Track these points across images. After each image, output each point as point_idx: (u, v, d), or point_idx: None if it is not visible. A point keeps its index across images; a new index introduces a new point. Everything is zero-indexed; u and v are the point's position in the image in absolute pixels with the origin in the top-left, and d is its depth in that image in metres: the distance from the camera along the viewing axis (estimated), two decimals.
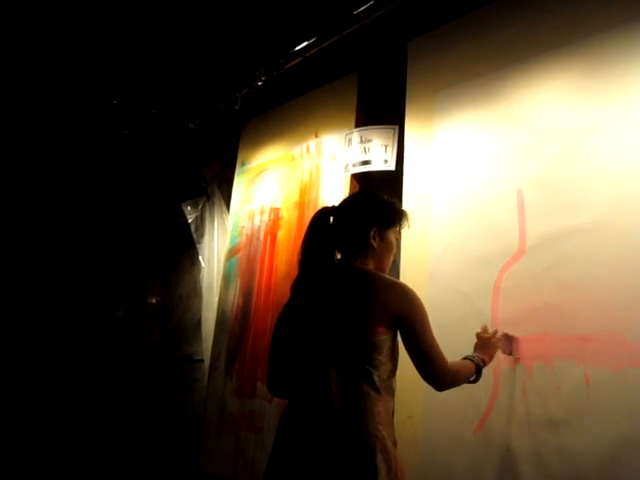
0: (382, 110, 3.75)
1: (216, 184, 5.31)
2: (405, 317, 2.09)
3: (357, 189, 3.68)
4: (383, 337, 2.07)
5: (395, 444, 2.07)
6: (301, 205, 4.06)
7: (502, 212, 2.82)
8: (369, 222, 2.26)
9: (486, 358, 2.35)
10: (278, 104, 4.59)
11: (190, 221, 5.39)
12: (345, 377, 2.05)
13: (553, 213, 2.64)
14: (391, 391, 2.12)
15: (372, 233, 2.24)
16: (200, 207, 5.41)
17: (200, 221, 5.39)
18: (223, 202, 5.22)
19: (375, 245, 2.25)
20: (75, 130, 5.38)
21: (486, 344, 2.42)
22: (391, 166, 3.50)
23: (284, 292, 3.87)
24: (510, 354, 2.58)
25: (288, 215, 4.17)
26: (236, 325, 4.33)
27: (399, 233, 2.47)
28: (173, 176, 5.88)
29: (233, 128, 4.99)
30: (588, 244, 2.50)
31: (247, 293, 4.31)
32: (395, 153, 3.50)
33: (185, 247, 5.58)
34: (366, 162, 3.61)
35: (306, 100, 4.33)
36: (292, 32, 3.71)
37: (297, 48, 3.73)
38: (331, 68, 4.06)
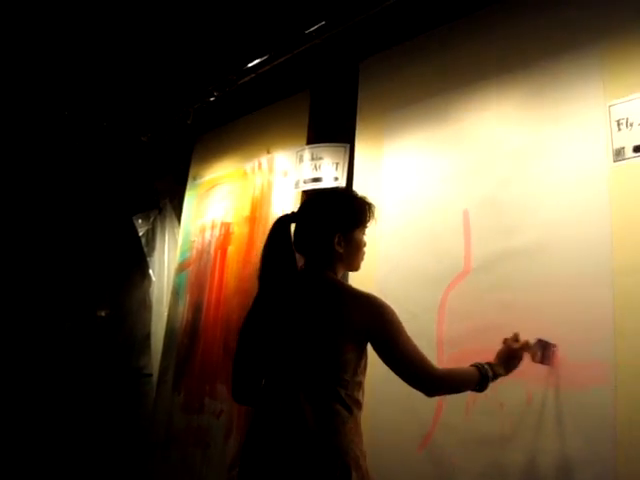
0: (333, 128, 3.78)
1: (168, 198, 5.30)
2: (375, 330, 1.99)
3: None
4: (351, 354, 1.98)
5: (365, 457, 1.98)
6: (252, 220, 4.07)
7: (449, 232, 2.87)
8: (331, 229, 2.12)
9: (501, 370, 2.17)
10: (231, 120, 4.61)
11: (141, 234, 5.37)
12: (314, 396, 1.95)
13: (497, 234, 2.71)
14: (360, 405, 2.02)
15: (336, 239, 2.11)
16: (151, 220, 5.40)
17: (151, 234, 5.38)
18: (174, 216, 5.21)
19: (341, 250, 2.12)
20: (25, 141, 5.31)
21: (510, 354, 2.25)
22: (341, 184, 3.52)
23: (233, 307, 3.89)
24: (542, 362, 2.37)
25: (239, 230, 4.17)
26: (185, 340, 4.32)
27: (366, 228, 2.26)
28: (125, 189, 5.83)
29: (186, 142, 4.99)
30: (530, 265, 2.56)
31: (196, 308, 4.30)
32: (345, 171, 3.53)
33: (136, 260, 5.53)
34: (317, 179, 3.63)
35: (259, 116, 4.36)
36: (245, 49, 3.73)
37: (250, 65, 3.75)
38: (284, 86, 4.10)
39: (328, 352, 1.98)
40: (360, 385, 2.03)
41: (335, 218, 2.15)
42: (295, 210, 2.27)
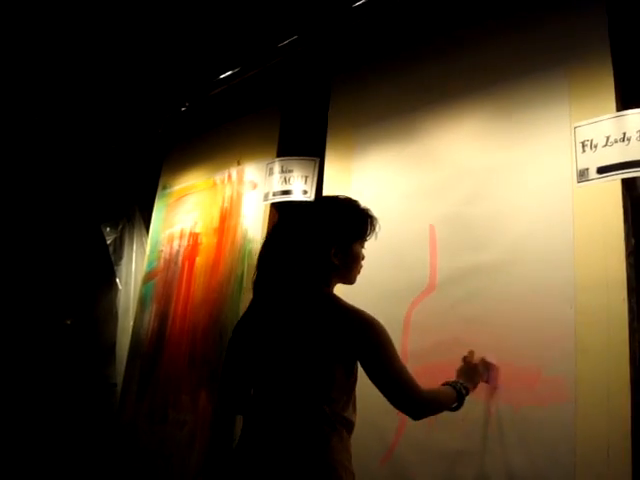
0: (304, 142, 3.80)
1: (137, 206, 5.28)
2: (364, 349, 1.93)
3: (277, 218, 3.70)
4: (340, 372, 1.94)
5: (352, 475, 1.94)
6: (220, 231, 4.07)
7: (415, 248, 2.90)
8: (328, 242, 2.03)
9: (470, 385, 2.22)
10: (203, 131, 4.61)
11: (109, 242, 5.33)
12: (300, 413, 1.92)
13: (462, 250, 2.74)
14: (347, 423, 1.96)
15: (333, 252, 2.03)
16: (120, 229, 5.37)
17: (119, 243, 5.35)
18: (143, 225, 5.19)
19: (337, 262, 2.04)
20: None
21: (473, 370, 2.33)
22: (310, 197, 3.54)
23: (200, 318, 3.88)
24: (486, 382, 2.43)
25: (207, 241, 4.17)
26: (150, 350, 4.29)
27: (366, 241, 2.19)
28: (93, 197, 5.80)
29: (157, 152, 4.98)
30: (494, 281, 2.60)
31: (162, 318, 4.28)
32: (315, 185, 3.55)
33: (103, 268, 5.49)
34: (286, 192, 3.64)
35: (230, 128, 4.37)
36: (217, 61, 3.75)
37: (221, 76, 3.76)
38: (255, 98, 4.12)
39: (316, 369, 1.93)
40: (348, 403, 1.98)
41: (332, 230, 2.06)
42: (293, 216, 2.19)
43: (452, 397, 2.12)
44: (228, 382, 2.21)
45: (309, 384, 1.93)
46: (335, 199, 2.17)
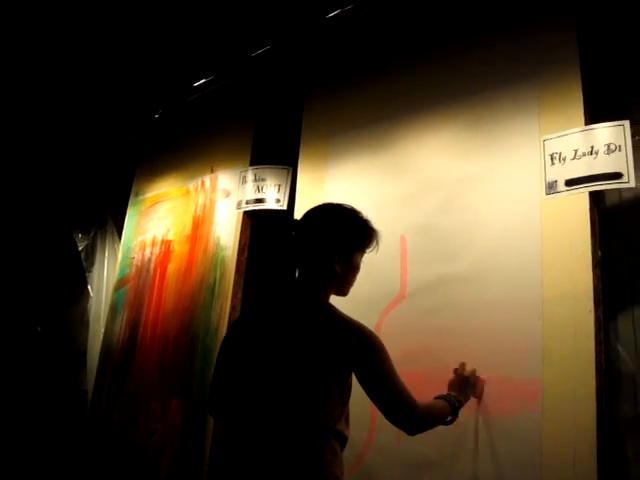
0: (277, 151, 3.82)
1: (109, 213, 5.26)
2: (360, 362, 1.91)
3: (248, 229, 3.74)
4: (334, 385, 1.91)
5: None
6: (193, 239, 4.07)
7: (386, 257, 2.90)
8: (334, 248, 2.03)
9: (462, 398, 2.20)
10: (177, 138, 4.61)
11: (81, 249, 5.30)
12: (292, 426, 1.89)
13: (433, 260, 2.77)
14: (340, 436, 1.94)
15: (336, 259, 2.02)
16: (92, 235, 5.34)
17: (91, 249, 5.32)
18: (115, 232, 5.17)
19: (339, 270, 2.04)
20: None
21: (464, 383, 2.30)
22: (283, 206, 3.55)
23: (171, 325, 3.87)
24: (473, 395, 2.41)
25: (179, 248, 4.16)
26: (121, 357, 4.27)
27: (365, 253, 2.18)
28: (66, 203, 5.77)
29: (130, 158, 4.97)
30: (463, 292, 2.63)
31: (134, 325, 4.26)
32: (288, 193, 3.56)
33: (74, 275, 5.46)
34: (259, 200, 3.65)
35: (204, 136, 4.37)
36: (191, 69, 3.75)
37: (195, 84, 3.76)
38: (230, 107, 4.13)
39: (312, 381, 1.91)
40: (341, 416, 1.96)
41: (339, 237, 2.06)
42: (299, 218, 2.15)
43: (446, 410, 2.10)
44: (218, 388, 2.16)
45: (304, 396, 1.91)
46: (342, 207, 2.14)
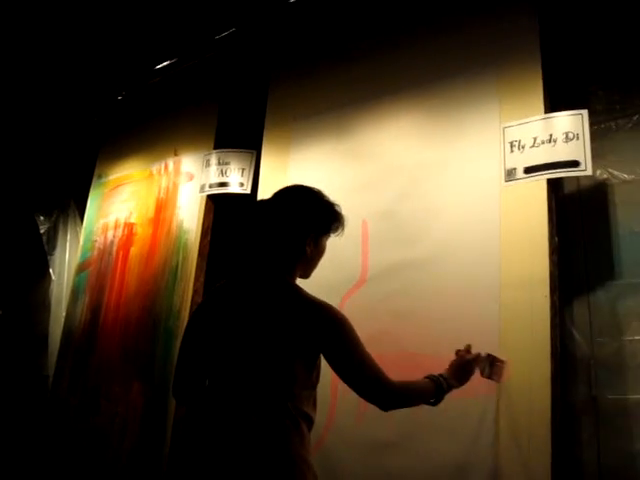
0: (241, 134, 3.81)
1: (71, 196, 5.21)
2: (327, 342, 1.89)
3: (211, 212, 3.74)
4: (302, 367, 1.89)
5: (315, 477, 1.88)
6: (156, 222, 4.05)
7: (347, 242, 2.88)
8: (308, 228, 2.01)
9: (454, 381, 2.11)
10: (140, 121, 4.56)
11: (42, 232, 5.25)
12: (259, 407, 1.86)
13: (394, 245, 2.81)
14: (308, 418, 1.91)
15: (308, 240, 2.01)
16: (54, 218, 5.29)
17: (53, 232, 5.27)
18: (77, 214, 5.12)
19: (309, 252, 2.02)
20: None
21: (462, 366, 2.20)
22: (247, 190, 3.55)
23: (134, 309, 3.86)
24: (490, 377, 2.34)
25: (142, 231, 4.14)
26: (82, 341, 4.24)
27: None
28: (27, 185, 5.70)
29: (92, 140, 4.92)
30: (423, 276, 2.68)
31: (95, 308, 4.23)
32: (251, 177, 3.56)
33: (35, 258, 5.40)
34: (223, 184, 3.64)
35: (168, 119, 4.34)
36: (154, 51, 3.73)
37: (158, 67, 3.74)
38: (194, 90, 4.11)
39: (279, 363, 1.88)
40: (310, 398, 1.94)
41: (313, 218, 2.04)
42: (270, 197, 2.12)
43: (429, 391, 2.02)
44: (183, 372, 2.12)
45: (272, 378, 1.88)
46: (312, 190, 2.12)
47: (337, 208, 2.11)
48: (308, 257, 2.05)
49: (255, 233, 2.07)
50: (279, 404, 1.86)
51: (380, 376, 1.88)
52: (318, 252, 2.10)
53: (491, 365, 2.34)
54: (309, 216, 2.04)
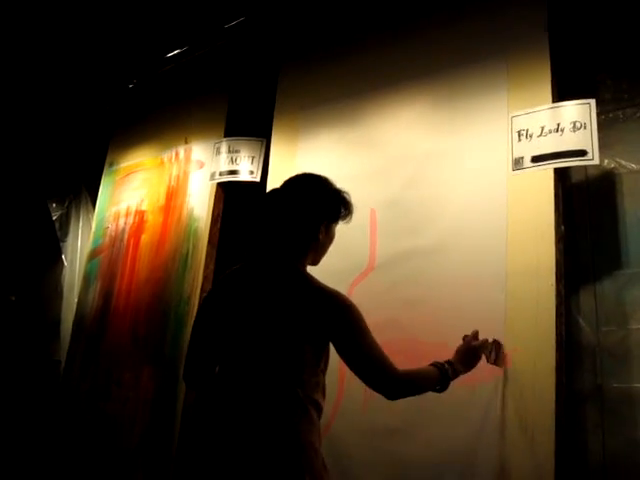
0: (251, 122, 3.83)
1: (83, 183, 5.24)
2: (337, 330, 1.92)
3: (221, 200, 3.76)
4: (311, 354, 1.92)
5: (325, 467, 1.90)
6: (166, 210, 4.08)
7: (356, 230, 2.92)
8: (321, 216, 2.05)
9: (461, 367, 2.13)
10: (151, 109, 4.59)
11: (55, 218, 5.29)
12: (269, 395, 1.88)
13: (401, 234, 2.82)
14: (317, 405, 1.93)
15: (322, 227, 2.05)
16: (66, 205, 5.33)
17: (65, 219, 5.31)
18: (90, 201, 5.16)
19: (321, 239, 2.06)
20: None
21: (469, 352, 2.22)
22: (257, 178, 3.57)
23: (144, 296, 3.89)
24: (494, 363, 2.37)
25: (153, 219, 4.17)
26: (94, 327, 4.28)
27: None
28: (40, 172, 5.74)
29: (104, 128, 4.95)
30: (430, 264, 2.69)
31: (107, 295, 4.27)
32: (261, 165, 3.58)
33: (48, 245, 5.45)
34: (233, 172, 3.66)
35: (179, 107, 4.35)
36: (165, 40, 3.75)
37: (169, 55, 3.76)
38: (205, 78, 4.14)
39: (289, 350, 1.91)
40: (318, 385, 1.95)
41: (326, 205, 2.08)
42: (281, 186, 2.15)
43: (434, 378, 2.04)
44: (195, 357, 2.15)
45: (281, 365, 1.91)
46: (322, 177, 2.16)
47: (346, 195, 2.15)
48: (320, 244, 2.08)
49: (268, 221, 2.09)
50: (288, 390, 1.88)
51: (387, 366, 1.90)
52: (329, 239, 2.14)
53: (496, 351, 2.37)
54: (322, 203, 2.07)
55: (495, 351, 2.37)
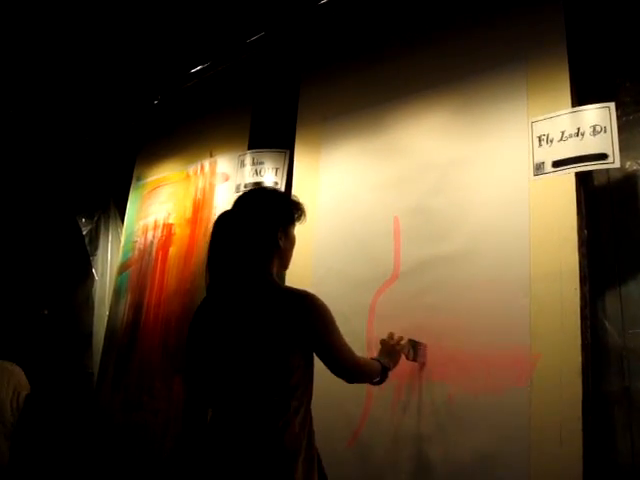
0: (274, 134, 3.87)
1: (112, 198, 5.31)
2: (315, 334, 2.00)
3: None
4: (295, 362, 1.97)
5: (323, 468, 2.03)
6: (193, 222, 4.13)
7: (380, 238, 2.99)
8: (276, 223, 2.13)
9: (391, 364, 2.37)
10: (176, 123, 4.66)
11: (85, 233, 5.36)
12: (257, 405, 1.94)
13: (426, 241, 2.85)
14: (306, 409, 2.02)
15: (280, 233, 2.12)
16: (95, 220, 5.39)
17: (95, 233, 5.37)
18: (118, 216, 5.22)
19: (282, 245, 2.13)
20: None
21: (390, 351, 2.43)
22: (281, 189, 3.59)
23: (174, 307, 3.94)
24: (414, 360, 2.61)
25: (180, 232, 4.22)
26: (125, 339, 4.34)
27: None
28: (69, 188, 5.82)
29: (131, 144, 5.02)
30: (456, 271, 2.71)
31: (137, 308, 4.33)
32: (285, 176, 3.62)
33: (79, 259, 5.52)
34: (257, 184, 3.68)
35: (203, 121, 4.42)
36: (188, 56, 3.82)
37: (192, 70, 3.82)
38: (228, 93, 4.19)
39: (271, 360, 1.95)
40: (306, 389, 2.03)
41: (277, 212, 2.16)
42: (231, 208, 2.23)
43: (377, 370, 2.28)
44: (192, 378, 2.23)
45: (265, 376, 1.96)
46: (265, 189, 2.37)
47: (294, 198, 2.28)
48: (283, 249, 2.17)
49: (227, 240, 2.13)
50: (273, 399, 1.94)
51: (353, 358, 2.12)
52: (290, 242, 2.22)
53: (414, 349, 2.60)
54: (274, 210, 2.16)
55: (413, 349, 2.59)
